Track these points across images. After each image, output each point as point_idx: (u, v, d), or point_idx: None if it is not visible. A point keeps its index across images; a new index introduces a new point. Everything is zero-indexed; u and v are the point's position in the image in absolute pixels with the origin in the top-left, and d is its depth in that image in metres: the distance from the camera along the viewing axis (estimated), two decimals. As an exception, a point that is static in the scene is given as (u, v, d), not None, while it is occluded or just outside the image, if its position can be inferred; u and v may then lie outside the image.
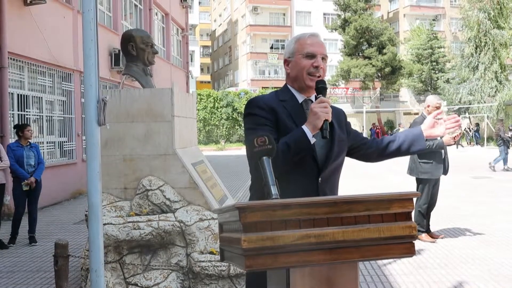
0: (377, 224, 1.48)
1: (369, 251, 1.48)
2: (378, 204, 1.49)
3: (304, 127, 1.96)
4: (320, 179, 2.08)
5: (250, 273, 2.15)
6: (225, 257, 1.71)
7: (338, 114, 2.27)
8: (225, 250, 1.69)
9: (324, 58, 2.15)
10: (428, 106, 6.30)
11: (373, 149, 2.34)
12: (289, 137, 1.96)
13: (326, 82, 2.12)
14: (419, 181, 6.27)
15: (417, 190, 6.20)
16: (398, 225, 1.49)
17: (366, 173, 15.19)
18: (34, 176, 6.66)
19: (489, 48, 33.09)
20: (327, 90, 2.12)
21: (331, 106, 2.30)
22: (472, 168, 16.35)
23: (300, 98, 2.18)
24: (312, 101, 2.13)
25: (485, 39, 33.18)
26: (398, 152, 2.34)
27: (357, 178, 12.94)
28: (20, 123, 8.11)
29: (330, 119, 1.96)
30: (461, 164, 17.22)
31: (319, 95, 2.03)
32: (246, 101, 2.23)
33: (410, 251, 1.51)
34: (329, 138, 1.97)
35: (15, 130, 6.96)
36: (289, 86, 2.22)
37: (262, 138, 1.76)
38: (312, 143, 1.97)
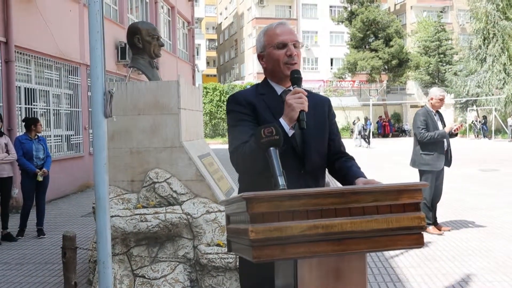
0: (386, 214, 1.46)
1: (378, 242, 1.46)
2: (386, 195, 1.48)
3: (281, 120, 1.93)
4: (302, 170, 2.06)
5: (242, 263, 2.15)
6: (232, 249, 1.71)
7: (322, 103, 2.23)
8: (232, 241, 1.69)
9: (295, 45, 2.10)
10: (432, 98, 6.28)
11: (328, 152, 2.20)
12: None
13: (301, 72, 2.06)
14: (421, 173, 6.26)
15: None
16: (407, 216, 1.47)
17: (371, 165, 15.15)
18: (44, 167, 6.73)
19: (497, 40, 32.75)
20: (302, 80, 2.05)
21: (316, 94, 2.27)
22: (479, 161, 16.26)
23: (279, 89, 2.15)
24: None
25: (494, 31, 32.84)
26: (334, 173, 2.20)
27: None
28: (30, 117, 8.16)
29: (306, 109, 1.90)
30: (468, 157, 17.12)
31: (294, 86, 1.99)
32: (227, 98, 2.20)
33: (419, 242, 1.50)
34: (307, 128, 1.91)
35: (24, 123, 6.99)
36: (268, 79, 2.19)
37: (269, 128, 1.75)
38: (290, 135, 1.94)
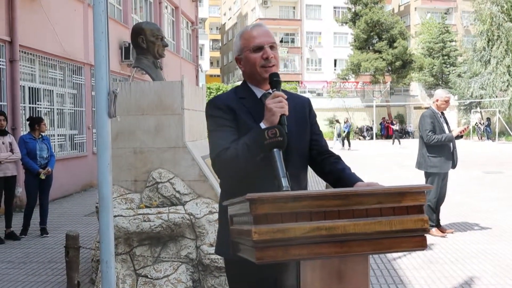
0: (389, 217, 1.46)
1: (381, 244, 1.46)
2: (389, 197, 1.48)
3: (261, 124, 1.89)
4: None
5: (229, 266, 2.11)
6: (235, 250, 1.71)
7: (302, 104, 2.20)
8: (235, 242, 1.69)
9: (272, 46, 2.07)
10: (437, 100, 6.25)
11: (313, 152, 2.17)
12: (248, 137, 1.89)
13: (279, 75, 2.02)
14: (427, 175, 6.22)
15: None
16: (410, 218, 1.47)
17: (373, 166, 15.13)
18: (48, 167, 6.75)
19: (501, 42, 32.66)
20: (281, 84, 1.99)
21: (295, 95, 2.24)
22: (483, 163, 16.22)
23: (259, 93, 2.11)
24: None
25: (498, 33, 32.76)
26: (324, 175, 2.16)
27: (364, 171, 12.89)
28: (34, 116, 8.18)
29: (287, 113, 1.88)
30: (472, 159, 17.09)
31: (273, 89, 1.96)
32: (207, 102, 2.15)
33: (422, 244, 1.50)
34: (288, 131, 1.87)
35: (28, 122, 7.01)
36: (247, 83, 2.16)
37: (273, 130, 1.75)
38: None
